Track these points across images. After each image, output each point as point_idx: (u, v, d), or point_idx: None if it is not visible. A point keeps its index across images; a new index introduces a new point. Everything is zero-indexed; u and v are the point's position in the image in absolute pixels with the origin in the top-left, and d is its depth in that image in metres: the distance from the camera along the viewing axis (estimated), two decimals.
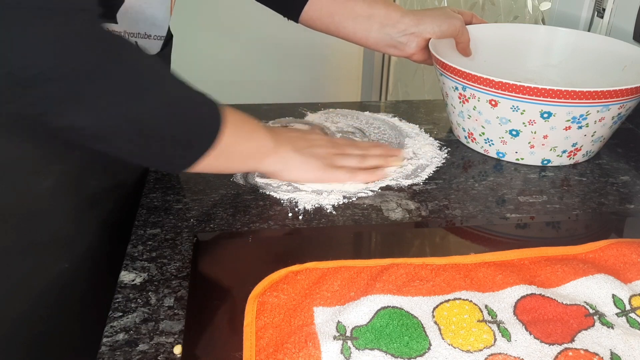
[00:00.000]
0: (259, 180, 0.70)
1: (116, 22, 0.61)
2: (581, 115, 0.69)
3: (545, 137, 0.72)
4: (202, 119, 0.58)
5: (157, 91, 0.54)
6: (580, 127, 0.70)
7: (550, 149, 0.73)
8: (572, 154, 0.75)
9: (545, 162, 0.75)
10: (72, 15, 0.45)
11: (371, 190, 0.69)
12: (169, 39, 0.72)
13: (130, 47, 0.54)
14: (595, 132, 0.72)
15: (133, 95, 0.52)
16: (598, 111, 0.69)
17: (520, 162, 0.76)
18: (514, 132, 0.72)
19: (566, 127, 0.70)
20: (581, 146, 0.74)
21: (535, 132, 0.71)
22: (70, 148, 0.59)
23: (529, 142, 0.73)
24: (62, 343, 0.65)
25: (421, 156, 0.77)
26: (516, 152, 0.75)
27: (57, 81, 0.46)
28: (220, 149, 0.59)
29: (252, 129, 0.64)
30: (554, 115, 0.69)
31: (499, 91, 0.69)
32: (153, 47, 0.67)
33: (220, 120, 0.59)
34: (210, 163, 0.59)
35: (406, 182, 0.71)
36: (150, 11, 0.64)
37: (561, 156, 0.75)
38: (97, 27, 0.49)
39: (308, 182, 0.69)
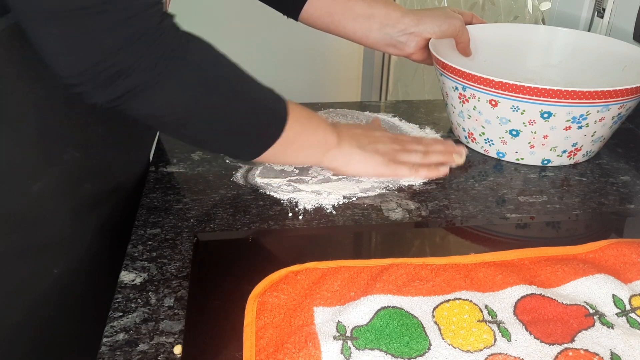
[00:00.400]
0: (259, 180, 0.70)
1: None
2: (581, 115, 0.69)
3: (545, 137, 0.72)
4: (270, 111, 0.60)
5: (229, 83, 0.57)
6: (580, 127, 0.70)
7: (551, 149, 0.73)
8: (572, 154, 0.75)
9: (546, 162, 0.75)
10: (144, 14, 0.48)
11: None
12: None
13: (200, 40, 0.55)
14: (595, 132, 0.72)
15: (207, 86, 0.55)
16: (598, 111, 0.69)
17: (521, 162, 0.76)
18: (514, 132, 0.72)
19: (566, 127, 0.70)
20: (581, 146, 0.74)
21: (535, 132, 0.71)
22: (65, 151, 0.58)
23: (529, 142, 0.73)
24: (64, 344, 0.65)
25: None
26: (516, 152, 0.75)
27: (136, 76, 0.49)
28: (286, 142, 0.61)
29: (317, 124, 0.66)
30: (554, 115, 0.69)
31: (499, 91, 0.69)
32: None
33: (287, 114, 0.61)
34: (276, 153, 0.62)
35: (406, 182, 0.71)
36: None
37: (561, 156, 0.75)
38: (168, 22, 0.51)
39: (370, 177, 0.70)
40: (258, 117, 0.60)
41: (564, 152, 0.74)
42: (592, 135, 0.73)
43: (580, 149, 0.74)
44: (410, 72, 1.98)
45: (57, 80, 0.51)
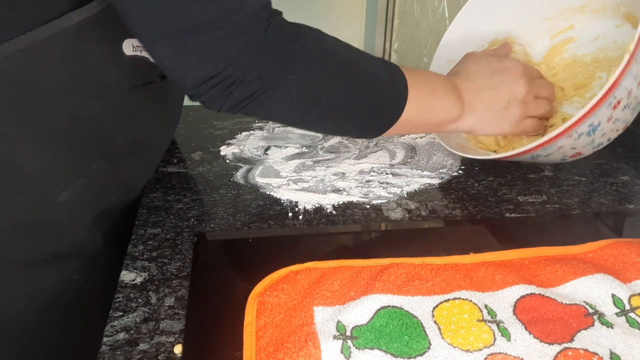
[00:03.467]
0: (259, 180, 0.70)
1: None
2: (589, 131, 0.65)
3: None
4: (389, 92, 0.58)
5: (342, 71, 0.56)
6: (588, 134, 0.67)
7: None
8: (574, 156, 0.73)
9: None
10: (250, 27, 0.50)
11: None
12: None
13: (306, 33, 0.55)
14: (601, 143, 0.69)
15: (320, 82, 0.55)
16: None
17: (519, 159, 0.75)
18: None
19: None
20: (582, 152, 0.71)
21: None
22: (93, 162, 0.59)
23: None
24: (78, 351, 0.65)
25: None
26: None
27: (246, 86, 0.51)
28: (406, 120, 0.60)
29: (439, 96, 0.62)
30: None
31: None
32: None
33: (407, 92, 0.58)
34: (397, 130, 0.61)
35: (416, 186, 0.71)
36: None
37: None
38: (274, 26, 0.52)
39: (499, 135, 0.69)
40: (378, 99, 0.59)
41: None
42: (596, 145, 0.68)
43: (581, 153, 0.70)
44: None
45: (91, 90, 0.53)
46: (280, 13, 0.53)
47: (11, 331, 0.61)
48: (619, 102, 0.62)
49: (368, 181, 0.71)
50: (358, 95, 0.57)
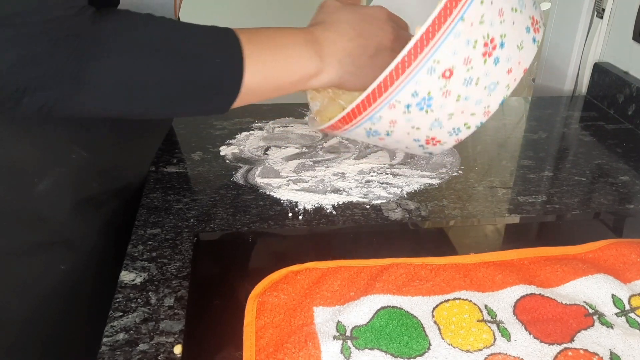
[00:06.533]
0: (259, 180, 0.70)
1: None
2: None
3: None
4: (216, 67, 0.52)
5: (156, 53, 0.49)
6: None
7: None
8: (434, 143, 0.62)
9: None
10: (34, 30, 0.44)
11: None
12: None
13: (120, 17, 0.49)
14: (457, 128, 0.59)
15: (136, 68, 0.49)
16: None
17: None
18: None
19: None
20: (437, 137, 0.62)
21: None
22: (73, 150, 0.59)
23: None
24: (70, 342, 0.65)
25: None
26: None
27: (39, 94, 0.46)
28: (252, 90, 0.54)
29: (288, 59, 0.55)
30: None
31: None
32: None
33: (240, 65, 0.52)
34: (252, 99, 0.55)
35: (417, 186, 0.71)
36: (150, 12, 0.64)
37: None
38: (68, 29, 0.46)
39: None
40: (206, 76, 0.52)
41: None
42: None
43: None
44: None
45: None
46: (89, 7, 0.47)
47: (2, 323, 0.61)
48: (450, 72, 0.54)
49: (368, 181, 0.71)
50: (179, 75, 0.51)
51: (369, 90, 0.55)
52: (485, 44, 0.54)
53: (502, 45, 0.55)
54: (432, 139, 0.60)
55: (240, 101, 0.54)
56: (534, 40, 0.58)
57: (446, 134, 0.60)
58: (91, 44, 0.46)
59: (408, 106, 0.56)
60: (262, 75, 0.54)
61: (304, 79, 0.57)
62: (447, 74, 0.54)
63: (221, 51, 0.52)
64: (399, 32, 0.61)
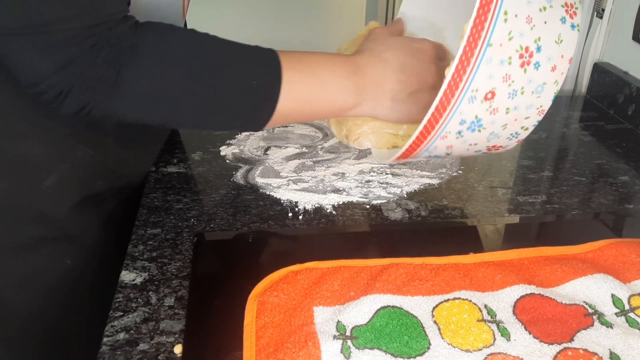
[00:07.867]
0: (259, 180, 0.70)
1: None
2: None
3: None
4: (253, 89, 0.52)
5: (193, 68, 0.51)
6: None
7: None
8: (496, 148, 0.62)
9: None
10: (74, 39, 0.46)
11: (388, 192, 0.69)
12: None
13: (161, 31, 0.50)
14: (516, 132, 0.59)
15: (171, 81, 0.50)
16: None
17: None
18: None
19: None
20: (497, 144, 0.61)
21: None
22: (78, 148, 0.60)
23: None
24: (72, 341, 0.66)
25: None
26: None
27: (76, 97, 0.48)
28: (283, 115, 0.54)
29: (325, 89, 0.55)
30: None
31: None
32: None
33: (277, 89, 0.52)
34: (281, 122, 0.56)
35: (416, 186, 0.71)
36: (159, 13, 0.64)
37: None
38: (106, 42, 0.48)
39: (406, 122, 0.61)
40: (241, 95, 0.52)
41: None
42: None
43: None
44: None
45: None
46: (132, 18, 0.50)
47: (5, 316, 0.61)
48: (492, 93, 0.53)
49: (368, 181, 0.71)
50: (213, 92, 0.51)
51: (413, 137, 0.54)
52: (521, 56, 0.52)
53: (538, 49, 0.53)
54: (493, 147, 0.60)
55: (272, 123, 0.55)
56: (572, 26, 0.55)
57: (505, 140, 0.59)
58: (129, 53, 0.48)
59: (459, 132, 0.55)
60: (297, 101, 0.54)
61: (340, 110, 0.58)
62: (489, 95, 0.53)
63: (260, 74, 0.53)
64: (442, 71, 0.60)
